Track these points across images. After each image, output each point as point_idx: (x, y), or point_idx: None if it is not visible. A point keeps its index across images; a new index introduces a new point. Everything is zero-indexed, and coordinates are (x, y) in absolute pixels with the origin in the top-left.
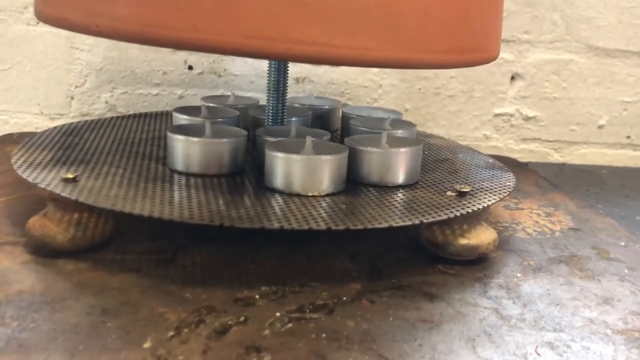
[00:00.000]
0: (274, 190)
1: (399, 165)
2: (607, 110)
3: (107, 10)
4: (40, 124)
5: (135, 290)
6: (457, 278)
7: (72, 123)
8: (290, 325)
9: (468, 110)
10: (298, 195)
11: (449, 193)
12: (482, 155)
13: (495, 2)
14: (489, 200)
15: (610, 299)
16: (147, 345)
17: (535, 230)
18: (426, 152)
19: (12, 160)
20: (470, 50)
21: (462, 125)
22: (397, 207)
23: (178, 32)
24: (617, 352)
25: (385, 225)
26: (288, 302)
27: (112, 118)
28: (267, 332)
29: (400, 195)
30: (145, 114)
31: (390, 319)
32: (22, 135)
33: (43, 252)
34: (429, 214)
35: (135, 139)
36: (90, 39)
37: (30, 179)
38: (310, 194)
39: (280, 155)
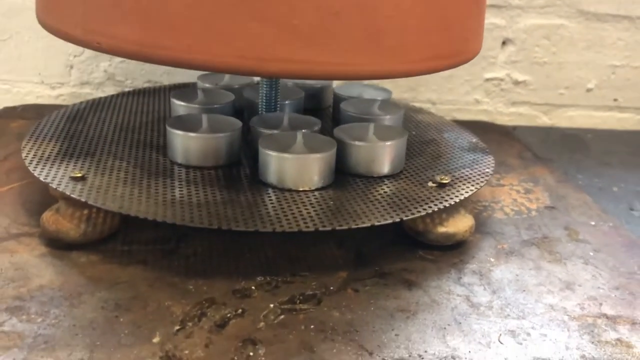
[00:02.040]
0: (267, 185)
1: (384, 158)
2: (596, 74)
3: (108, 30)
4: (42, 92)
5: (143, 284)
6: (435, 264)
7: (75, 105)
8: (282, 317)
9: (459, 75)
10: (290, 191)
11: (429, 184)
12: (466, 133)
13: (476, 6)
14: (466, 192)
15: (572, 283)
16: (156, 340)
17: (512, 210)
18: (413, 132)
19: (23, 155)
20: (451, 55)
21: (453, 90)
22: (380, 202)
23: (174, 52)
24: (570, 338)
25: (368, 224)
26: (281, 292)
27: (112, 97)
28: (261, 324)
29: (384, 187)
30: (145, 91)
31: (372, 308)
32: (25, 109)
33: (57, 244)
34: (409, 210)
35: (136, 124)
36: None
37: (42, 178)
38: (301, 189)
39: (272, 154)
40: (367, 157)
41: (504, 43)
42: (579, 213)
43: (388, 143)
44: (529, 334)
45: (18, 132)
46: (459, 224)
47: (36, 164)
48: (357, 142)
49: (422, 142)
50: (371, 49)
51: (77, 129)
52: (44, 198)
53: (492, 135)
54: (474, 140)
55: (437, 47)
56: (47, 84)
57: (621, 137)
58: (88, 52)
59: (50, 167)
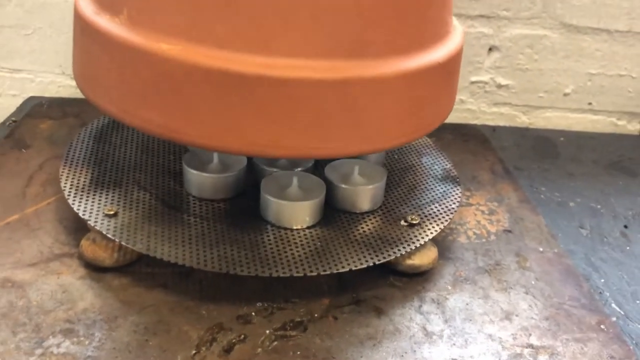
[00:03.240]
0: (267, 222)
1: (365, 198)
2: (573, 80)
3: (138, 113)
4: (62, 82)
5: (165, 308)
6: (402, 291)
7: (98, 121)
8: (275, 343)
9: None
10: (285, 229)
11: (402, 222)
12: (442, 159)
13: (448, 91)
14: (431, 233)
15: (511, 313)
16: None
17: (475, 233)
18: (395, 157)
19: (61, 185)
20: (424, 128)
21: None
22: (358, 244)
23: (194, 138)
24: None
25: (347, 269)
26: (275, 319)
27: None
28: (259, 350)
29: (363, 226)
30: None
31: (347, 336)
32: (50, 105)
33: (93, 267)
34: (381, 253)
35: (155, 144)
36: None
37: (80, 213)
38: (294, 227)
39: (272, 199)
40: (351, 197)
41: (490, 50)
42: (531, 238)
43: (369, 187)
44: None
45: (48, 135)
46: (424, 257)
47: (74, 197)
48: (342, 185)
49: (403, 169)
50: (354, 136)
51: (105, 152)
52: (79, 217)
53: (470, 144)
54: (448, 166)
55: (411, 128)
56: (67, 75)
57: (591, 140)
58: None
59: (86, 199)
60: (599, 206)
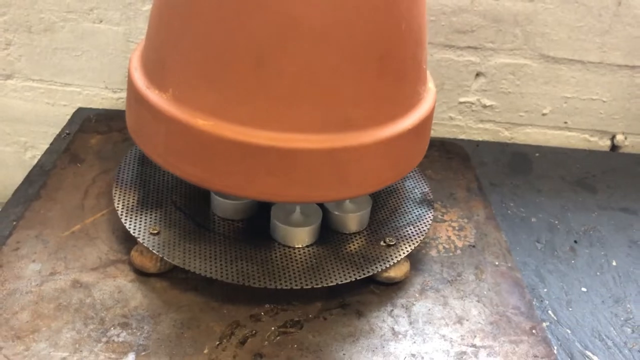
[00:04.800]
0: (275, 241)
1: (354, 223)
2: (551, 102)
3: (180, 166)
4: (106, 95)
5: (196, 307)
6: (379, 297)
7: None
8: (278, 337)
9: (439, 98)
10: (289, 247)
11: (382, 243)
12: (422, 182)
13: (421, 143)
14: (404, 253)
15: (463, 318)
16: (206, 351)
17: (444, 247)
18: None
19: (115, 204)
20: (399, 174)
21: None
22: (345, 261)
23: (221, 187)
24: None
25: (334, 283)
26: (279, 318)
27: None
28: (266, 343)
29: (350, 246)
30: None
31: (333, 333)
32: (98, 119)
33: (141, 272)
34: (363, 269)
35: None
36: (143, 35)
37: (131, 232)
38: (296, 246)
39: (280, 225)
40: (342, 221)
41: (477, 75)
42: (491, 252)
43: (357, 214)
44: (422, 357)
45: (97, 150)
46: (398, 271)
47: (125, 216)
48: (336, 212)
49: (388, 192)
50: (340, 187)
51: (147, 174)
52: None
53: (453, 161)
54: (426, 190)
55: (387, 177)
56: (110, 89)
57: (564, 156)
58: None
59: (134, 218)
60: (556, 222)
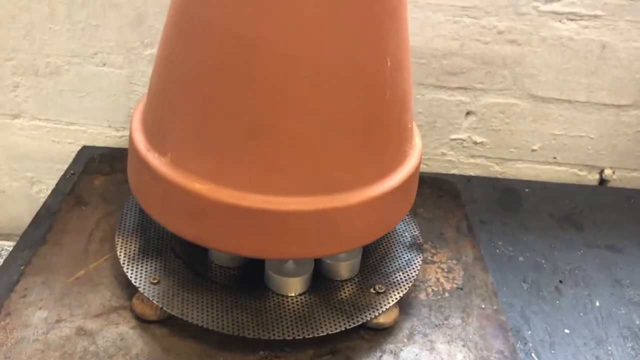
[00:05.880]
0: (269, 290)
1: (345, 270)
2: (540, 139)
3: (175, 224)
4: (109, 133)
5: (194, 355)
6: (368, 343)
7: None
8: None
9: (431, 135)
10: (282, 295)
11: (371, 290)
12: (412, 225)
13: (408, 198)
14: (393, 300)
15: None
16: None
17: (433, 290)
18: None
19: (117, 253)
20: (385, 228)
21: (425, 145)
22: (336, 309)
23: (215, 245)
24: None
25: (324, 333)
26: None
27: None
28: None
29: (341, 293)
30: None
31: None
32: (101, 159)
33: (142, 319)
34: (352, 319)
35: None
36: (145, 77)
37: (132, 281)
38: (289, 294)
39: (274, 275)
40: (334, 269)
41: (467, 114)
42: (477, 295)
43: (348, 262)
44: None
45: (101, 192)
46: (387, 317)
47: (127, 265)
48: (328, 260)
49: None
50: (329, 244)
51: (148, 221)
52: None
53: (444, 200)
54: (416, 233)
55: (374, 232)
56: (113, 127)
57: (553, 191)
58: None
59: (136, 267)
60: (543, 261)
